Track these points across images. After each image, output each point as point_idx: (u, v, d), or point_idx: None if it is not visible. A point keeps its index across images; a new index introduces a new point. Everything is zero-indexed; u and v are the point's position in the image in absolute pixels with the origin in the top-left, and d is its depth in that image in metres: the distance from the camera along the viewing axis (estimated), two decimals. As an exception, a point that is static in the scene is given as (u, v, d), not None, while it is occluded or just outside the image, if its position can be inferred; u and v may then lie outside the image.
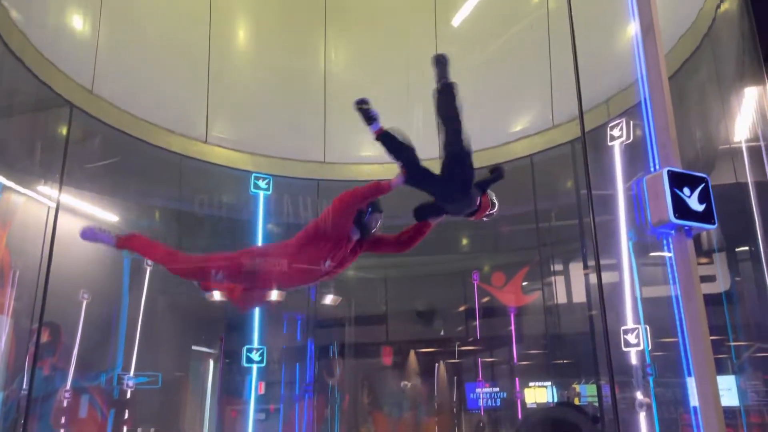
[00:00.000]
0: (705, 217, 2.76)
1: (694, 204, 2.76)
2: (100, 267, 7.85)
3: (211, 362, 10.03)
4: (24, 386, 6.25)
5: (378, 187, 3.79)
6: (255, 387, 7.42)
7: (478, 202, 3.99)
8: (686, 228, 2.74)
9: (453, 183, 3.85)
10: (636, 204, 2.92)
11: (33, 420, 6.58)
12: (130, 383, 7.54)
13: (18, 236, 6.73)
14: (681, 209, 2.72)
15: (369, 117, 3.83)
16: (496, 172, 4.22)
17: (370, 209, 3.86)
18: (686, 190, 2.76)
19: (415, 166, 3.80)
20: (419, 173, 3.80)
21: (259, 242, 7.43)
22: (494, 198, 4.10)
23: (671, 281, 2.98)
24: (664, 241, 2.91)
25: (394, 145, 3.81)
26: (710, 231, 6.73)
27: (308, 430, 9.07)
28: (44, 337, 6.78)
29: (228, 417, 9.39)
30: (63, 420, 7.10)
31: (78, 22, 6.96)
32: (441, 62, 3.91)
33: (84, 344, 7.29)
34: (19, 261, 6.61)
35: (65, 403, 7.08)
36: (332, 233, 3.80)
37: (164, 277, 7.86)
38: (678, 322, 2.99)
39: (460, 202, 3.95)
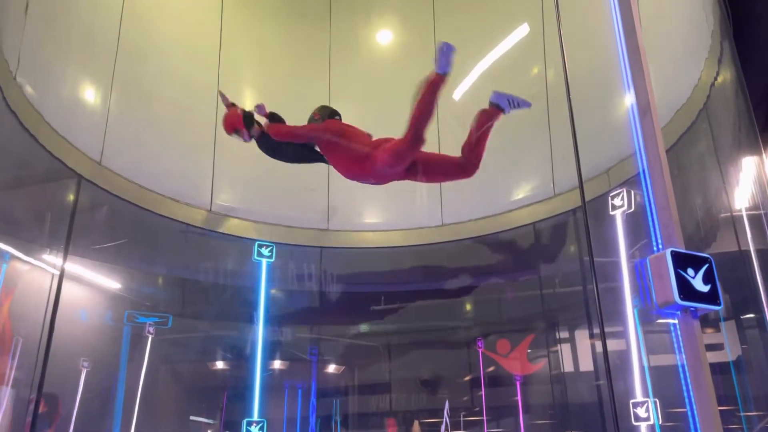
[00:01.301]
0: (710, 298, 2.76)
1: (699, 285, 2.76)
2: (100, 335, 7.80)
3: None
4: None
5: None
6: (256, 461, 7.21)
7: None
8: (692, 309, 2.73)
9: None
10: (640, 281, 2.92)
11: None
12: (128, 455, 7.34)
13: (20, 303, 6.71)
14: (686, 291, 2.72)
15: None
16: None
17: None
18: (690, 271, 2.77)
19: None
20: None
21: (261, 310, 7.36)
22: None
23: (677, 351, 2.96)
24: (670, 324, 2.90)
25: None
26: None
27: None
28: (42, 408, 6.65)
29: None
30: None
31: (89, 95, 7.16)
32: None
33: (81, 415, 7.15)
34: (21, 329, 6.58)
35: (61, 477, 6.89)
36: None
37: (166, 346, 7.79)
38: (686, 397, 2.94)
39: None
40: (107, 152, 6.89)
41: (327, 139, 4.55)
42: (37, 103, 6.09)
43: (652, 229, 3.10)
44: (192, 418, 9.61)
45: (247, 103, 8.50)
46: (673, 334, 3.10)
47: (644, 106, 3.32)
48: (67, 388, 7.10)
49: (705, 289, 2.77)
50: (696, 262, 2.81)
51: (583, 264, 7.48)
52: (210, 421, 9.73)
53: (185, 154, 7.72)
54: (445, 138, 8.00)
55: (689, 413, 2.98)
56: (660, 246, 2.92)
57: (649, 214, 3.14)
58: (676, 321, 2.93)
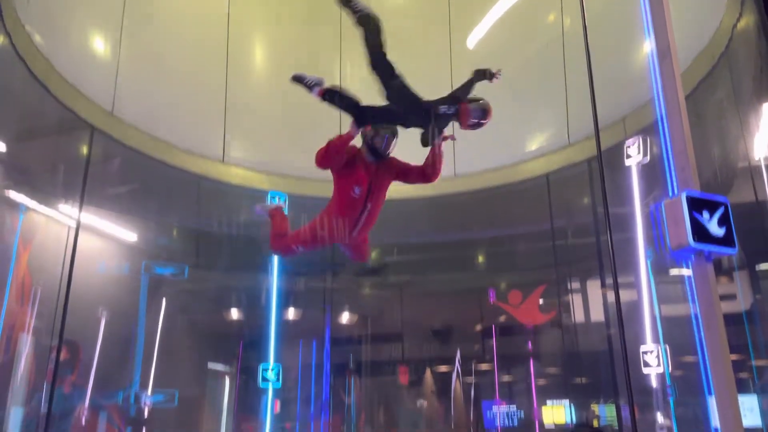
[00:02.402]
0: (725, 241, 2.73)
1: (714, 228, 2.73)
2: (118, 286, 7.92)
3: (228, 380, 10.04)
4: (43, 404, 6.30)
5: (340, 140, 4.03)
6: (271, 405, 7.40)
7: (454, 110, 4.08)
8: (706, 252, 2.71)
9: (400, 102, 4.07)
10: (654, 227, 2.90)
11: (52, 439, 6.61)
12: (148, 401, 7.56)
13: (38, 255, 6.82)
14: (700, 233, 2.69)
15: (309, 86, 4.15)
16: (477, 74, 4.29)
17: (373, 134, 4.02)
18: (705, 214, 2.74)
19: (361, 110, 4.03)
20: (368, 113, 4.04)
21: (275, 260, 7.44)
22: (482, 103, 4.12)
23: (690, 300, 2.95)
24: (684, 263, 2.89)
25: (338, 100, 4.09)
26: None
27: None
28: (63, 355, 6.84)
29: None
30: (81, 439, 7.14)
31: (99, 45, 7.10)
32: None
33: (102, 362, 7.33)
34: (40, 279, 6.70)
35: (83, 421, 7.11)
36: (338, 183, 4.17)
37: (182, 296, 7.92)
38: (698, 343, 2.95)
39: (421, 115, 4.10)
40: (119, 103, 6.87)
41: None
42: (47, 51, 6.05)
43: (668, 173, 3.06)
44: (210, 365, 9.86)
45: (258, 53, 8.44)
46: (687, 284, 3.09)
47: (664, 49, 3.23)
48: (87, 337, 7.26)
49: (720, 232, 2.75)
50: (711, 206, 2.78)
51: (596, 215, 7.44)
52: (227, 368, 9.97)
53: (197, 105, 7.68)
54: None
55: (700, 360, 3.00)
56: (675, 190, 2.89)
57: (665, 158, 3.09)
58: (689, 272, 2.92)
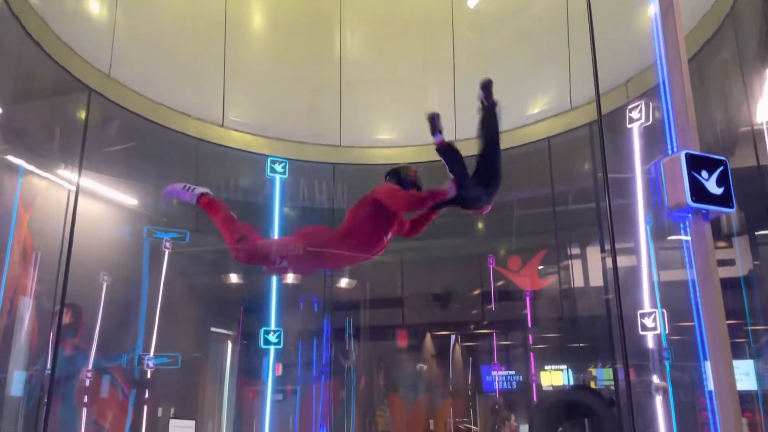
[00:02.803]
0: (723, 200, 2.73)
1: (712, 187, 2.73)
2: (119, 250, 7.96)
3: (230, 344, 10.17)
4: (47, 366, 6.38)
5: (433, 197, 3.85)
6: (272, 368, 7.50)
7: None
8: (704, 212, 2.71)
9: (486, 191, 3.98)
10: (653, 187, 2.89)
11: (56, 399, 6.71)
12: (151, 364, 7.65)
13: (39, 219, 6.83)
14: (698, 193, 2.69)
15: (435, 128, 3.99)
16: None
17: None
18: (704, 173, 2.73)
19: (465, 177, 3.89)
20: (467, 182, 3.90)
21: (276, 227, 7.45)
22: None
23: (688, 266, 2.96)
24: (682, 225, 2.88)
25: (454, 159, 3.91)
26: (730, 214, 6.64)
27: (324, 411, 9.17)
28: (66, 319, 6.90)
29: (246, 397, 9.52)
30: (85, 399, 7.24)
31: (95, 5, 6.99)
32: (487, 87, 4.03)
33: (105, 326, 7.40)
34: (41, 243, 6.73)
35: (87, 383, 7.21)
36: (378, 223, 3.91)
37: (183, 260, 7.95)
38: (694, 307, 2.97)
39: (480, 203, 4.06)
40: (115, 64, 6.80)
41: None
42: (42, 11, 5.97)
43: (668, 132, 3.04)
44: (212, 328, 9.97)
45: (257, 15, 8.32)
46: (685, 249, 3.09)
47: (666, 7, 3.18)
48: (89, 301, 7.32)
49: (718, 191, 2.74)
50: (710, 165, 2.76)
51: (597, 180, 7.41)
52: (229, 332, 10.09)
53: (195, 68, 7.61)
54: (460, 53, 7.80)
55: (696, 323, 3.02)
56: (675, 149, 2.87)
57: (666, 117, 3.07)
58: (688, 237, 2.92)
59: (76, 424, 7.18)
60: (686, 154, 2.73)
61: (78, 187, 6.48)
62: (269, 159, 7.34)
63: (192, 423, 9.05)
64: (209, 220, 8.89)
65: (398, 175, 4.14)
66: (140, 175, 7.87)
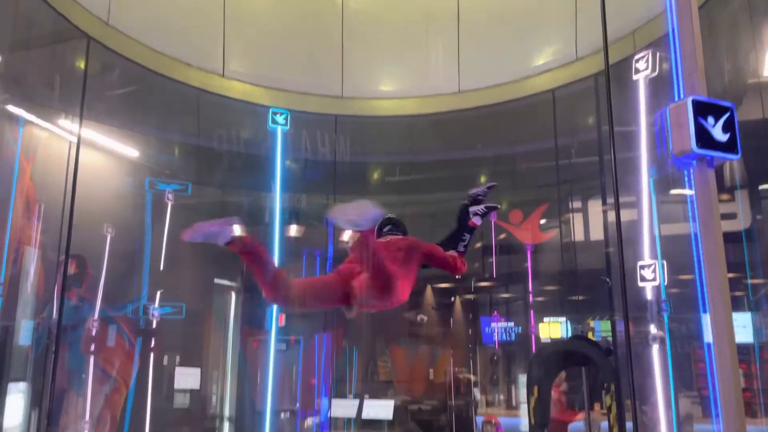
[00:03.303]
0: (728, 146, 2.72)
1: (718, 134, 2.72)
2: (122, 202, 7.97)
3: (233, 295, 10.29)
4: (53, 315, 6.47)
5: (454, 266, 4.01)
6: (276, 319, 7.61)
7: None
8: (708, 158, 2.70)
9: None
10: (658, 134, 2.88)
11: (63, 347, 6.84)
12: (155, 313, 7.75)
13: (41, 170, 6.83)
14: (704, 139, 2.68)
15: (484, 211, 4.32)
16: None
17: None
18: (710, 120, 2.72)
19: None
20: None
21: (278, 177, 7.41)
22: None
23: (690, 219, 2.96)
24: (685, 173, 2.88)
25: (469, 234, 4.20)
26: (733, 166, 6.63)
27: (327, 361, 9.35)
28: (71, 269, 6.97)
29: (250, 347, 9.69)
30: (92, 347, 7.37)
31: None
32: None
33: (110, 276, 7.47)
34: (44, 195, 6.74)
35: (94, 332, 7.33)
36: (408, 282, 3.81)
37: (186, 212, 7.97)
38: (695, 258, 2.99)
39: None
40: (114, 11, 6.68)
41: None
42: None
43: (675, 79, 3.01)
44: (216, 280, 10.07)
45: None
46: (688, 203, 3.09)
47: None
48: (93, 252, 7.37)
49: (724, 138, 2.73)
50: (717, 111, 2.74)
51: (600, 133, 7.36)
52: (233, 284, 10.20)
53: (195, 16, 7.48)
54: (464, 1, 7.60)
55: (697, 274, 3.04)
56: (681, 95, 2.85)
57: (673, 64, 3.03)
58: (691, 191, 2.91)
59: (84, 372, 7.33)
60: (693, 100, 2.71)
61: (79, 138, 6.44)
62: (270, 110, 7.28)
63: (197, 371, 9.26)
64: (211, 172, 8.91)
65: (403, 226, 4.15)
66: (141, 126, 7.82)
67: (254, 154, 8.11)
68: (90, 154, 7.55)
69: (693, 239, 3.01)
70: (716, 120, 2.73)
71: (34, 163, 6.92)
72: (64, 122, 6.96)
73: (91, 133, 7.21)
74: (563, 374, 7.45)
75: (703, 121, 2.68)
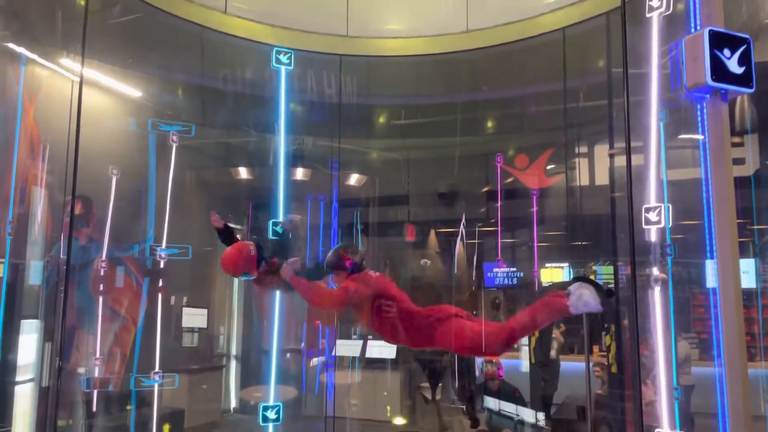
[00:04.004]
0: (743, 80, 2.68)
1: (734, 66, 2.67)
2: (126, 143, 7.94)
3: (239, 238, 10.36)
4: (62, 254, 6.55)
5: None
6: (282, 261, 7.67)
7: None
8: (722, 91, 2.66)
9: None
10: (672, 67, 2.82)
11: (73, 286, 6.95)
12: (162, 254, 7.83)
13: (44, 110, 6.79)
14: (719, 71, 2.64)
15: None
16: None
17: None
18: (726, 52, 2.66)
19: None
20: None
21: (282, 118, 7.34)
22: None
23: (702, 160, 2.94)
24: (698, 107, 2.84)
25: None
26: (744, 109, 6.54)
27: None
28: (78, 210, 7.01)
29: (255, 289, 9.82)
30: (101, 287, 7.49)
31: None
32: None
33: (116, 218, 7.52)
34: (48, 136, 6.72)
35: (102, 272, 7.43)
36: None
37: (190, 154, 7.96)
38: (704, 200, 2.97)
39: None
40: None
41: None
42: None
43: (692, 11, 2.94)
44: (221, 223, 10.13)
45: None
46: (700, 146, 3.06)
47: None
48: (99, 193, 7.40)
49: (739, 71, 2.68)
50: (733, 43, 2.69)
51: (611, 75, 7.24)
52: (238, 227, 10.27)
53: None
54: None
55: (705, 218, 3.03)
56: (698, 26, 2.78)
57: (690, -3, 2.95)
58: (701, 136, 2.87)
59: (93, 310, 7.47)
60: (710, 31, 2.65)
61: (81, 77, 6.36)
62: (274, 49, 7.15)
63: (204, 311, 9.44)
64: (215, 113, 8.84)
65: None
66: (144, 66, 7.71)
67: (258, 95, 8.02)
68: (93, 94, 7.48)
69: (704, 182, 2.99)
70: (732, 52, 2.67)
71: (37, 103, 6.87)
72: (66, 61, 6.87)
73: (93, 72, 7.11)
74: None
75: (719, 53, 2.63)
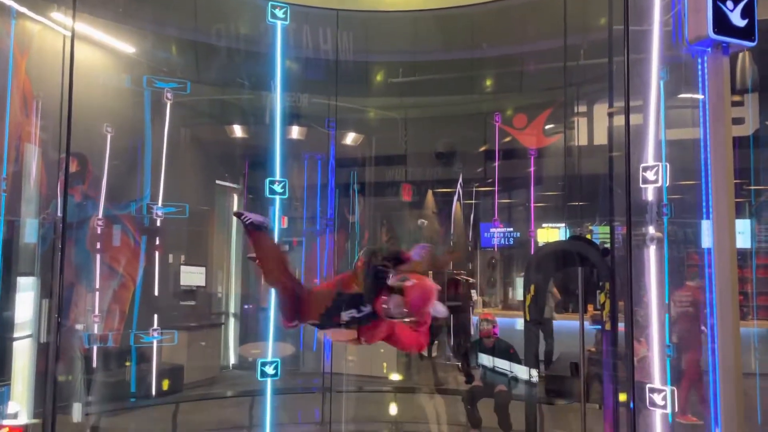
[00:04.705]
0: (746, 33, 2.63)
1: (736, 19, 2.62)
2: (120, 100, 7.85)
3: (236, 197, 10.37)
4: (58, 211, 6.52)
5: None
6: (278, 219, 7.67)
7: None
8: (724, 45, 2.62)
9: None
10: (674, 21, 2.77)
11: (70, 243, 6.95)
12: (159, 212, 7.81)
13: (36, 65, 6.68)
14: (721, 24, 2.59)
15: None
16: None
17: None
18: (729, 4, 2.61)
19: None
20: None
21: (278, 76, 7.23)
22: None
23: (701, 120, 2.91)
24: (699, 61, 2.80)
25: None
26: (745, 68, 6.44)
27: (329, 262, 9.53)
28: (73, 167, 6.96)
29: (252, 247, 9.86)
30: (98, 245, 7.50)
31: None
32: None
33: (112, 175, 7.48)
34: (40, 91, 6.63)
35: (99, 230, 7.43)
36: None
37: (185, 111, 7.88)
38: (702, 159, 2.95)
39: None
40: None
41: None
42: None
43: (695, -38, 2.86)
44: (218, 181, 10.13)
45: None
46: (700, 106, 3.01)
47: None
48: (93, 151, 7.35)
49: (741, 23, 2.63)
50: (737, -5, 2.63)
51: (611, 33, 7.11)
52: (234, 185, 10.26)
53: None
54: None
55: (702, 177, 3.01)
56: (702, -22, 2.72)
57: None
58: (700, 95, 2.82)
59: (91, 267, 7.50)
60: (713, -19, 2.59)
61: (73, 31, 6.23)
62: (269, 3, 7.00)
63: (202, 269, 9.49)
64: (210, 69, 8.70)
65: None
66: (137, 21, 7.55)
67: (253, 51, 7.88)
68: (86, 50, 7.35)
69: (702, 141, 2.97)
70: (735, 4, 2.61)
71: (29, 57, 6.75)
72: (57, 15, 6.72)
73: (85, 27, 6.97)
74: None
75: (721, 5, 2.58)
